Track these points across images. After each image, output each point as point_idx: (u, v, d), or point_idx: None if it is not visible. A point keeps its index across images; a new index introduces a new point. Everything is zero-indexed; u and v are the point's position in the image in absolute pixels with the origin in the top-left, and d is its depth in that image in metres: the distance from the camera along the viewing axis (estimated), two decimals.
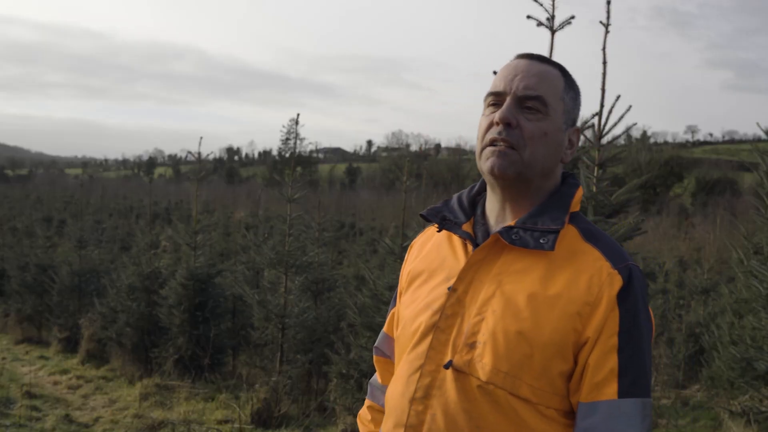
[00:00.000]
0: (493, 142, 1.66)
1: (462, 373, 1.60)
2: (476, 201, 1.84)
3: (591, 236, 1.66)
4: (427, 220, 1.83)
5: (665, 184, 55.82)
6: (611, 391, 1.53)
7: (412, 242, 2.02)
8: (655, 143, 76.80)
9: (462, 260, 1.72)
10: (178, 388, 8.15)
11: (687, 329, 10.15)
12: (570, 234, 1.66)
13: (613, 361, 1.54)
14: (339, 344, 7.25)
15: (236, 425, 6.91)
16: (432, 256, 1.84)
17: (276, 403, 7.17)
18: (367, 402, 2.08)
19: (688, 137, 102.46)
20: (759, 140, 50.39)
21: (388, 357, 2.02)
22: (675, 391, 9.59)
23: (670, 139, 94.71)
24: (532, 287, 1.59)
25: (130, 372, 9.06)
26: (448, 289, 1.69)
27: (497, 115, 1.66)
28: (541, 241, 1.60)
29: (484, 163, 1.68)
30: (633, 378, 1.54)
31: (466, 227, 1.76)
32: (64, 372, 9.33)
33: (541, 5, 3.87)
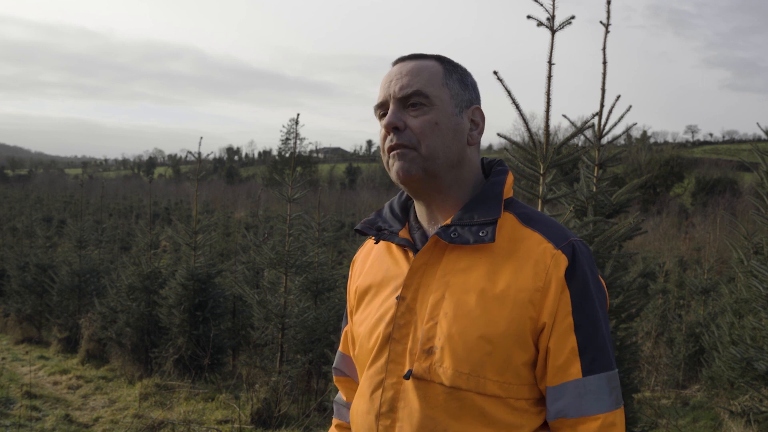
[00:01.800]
0: (390, 151, 1.66)
1: (423, 380, 1.59)
2: (408, 206, 1.83)
3: (529, 220, 1.65)
4: (363, 233, 1.81)
5: (665, 184, 55.81)
6: (575, 370, 1.55)
7: (354, 258, 1.99)
8: (655, 143, 76.77)
9: (405, 268, 1.70)
10: (178, 388, 8.15)
11: (687, 329, 10.14)
12: (508, 222, 1.65)
13: (572, 341, 1.55)
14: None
15: (236, 425, 6.91)
16: (375, 269, 1.82)
17: (276, 403, 7.18)
18: (334, 421, 2.05)
19: (688, 137, 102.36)
20: (759, 140, 50.39)
21: (348, 376, 2.00)
22: (675, 391, 9.60)
23: (670, 139, 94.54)
24: (479, 283, 1.58)
25: (130, 372, 9.06)
26: (397, 298, 1.67)
27: (383, 123, 1.67)
28: (481, 234, 1.59)
29: (391, 173, 1.67)
30: (594, 354, 1.55)
31: (403, 234, 1.74)
32: (64, 372, 9.33)
33: (542, 5, 3.87)
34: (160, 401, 7.76)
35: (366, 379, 1.71)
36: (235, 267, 11.49)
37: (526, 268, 1.57)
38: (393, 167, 1.66)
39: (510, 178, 1.73)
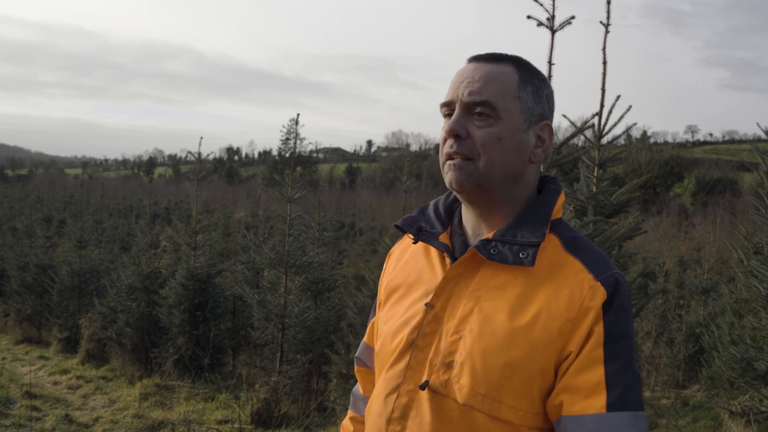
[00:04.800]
0: (449, 157, 1.61)
1: (438, 394, 1.54)
2: (453, 208, 1.78)
3: (573, 246, 1.59)
4: (403, 230, 1.77)
5: (665, 184, 55.85)
6: (599, 404, 1.43)
7: (391, 250, 1.95)
8: (655, 143, 76.85)
9: (440, 274, 1.66)
10: (178, 388, 8.15)
11: (687, 329, 10.15)
12: (551, 245, 1.59)
13: (599, 374, 1.45)
14: (339, 344, 7.25)
15: (236, 425, 6.91)
16: (409, 269, 1.79)
17: (276, 403, 7.18)
18: (349, 413, 2.03)
19: (688, 137, 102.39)
20: (759, 140, 50.40)
21: (369, 367, 1.97)
22: (675, 391, 9.60)
23: (670, 139, 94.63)
24: (511, 304, 1.52)
25: (130, 372, 9.07)
26: (426, 305, 1.63)
27: (445, 128, 1.61)
28: (521, 255, 1.53)
29: (445, 178, 1.63)
30: (623, 390, 1.44)
31: (443, 238, 1.69)
32: (64, 372, 9.33)
33: (542, 5, 3.87)
34: (160, 401, 7.76)
35: (383, 381, 1.68)
36: (235, 267, 11.50)
37: (560, 296, 1.51)
38: (447, 175, 1.62)
39: (561, 199, 1.67)
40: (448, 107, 1.64)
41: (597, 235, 4.27)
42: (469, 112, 1.60)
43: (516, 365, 1.48)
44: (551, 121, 1.69)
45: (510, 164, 1.60)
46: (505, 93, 1.59)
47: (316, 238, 9.59)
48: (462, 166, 1.58)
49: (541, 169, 3.96)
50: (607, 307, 1.48)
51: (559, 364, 1.49)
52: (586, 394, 1.45)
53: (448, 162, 1.61)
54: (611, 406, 1.43)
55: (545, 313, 1.49)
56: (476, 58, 1.66)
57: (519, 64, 1.65)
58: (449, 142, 1.60)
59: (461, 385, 1.51)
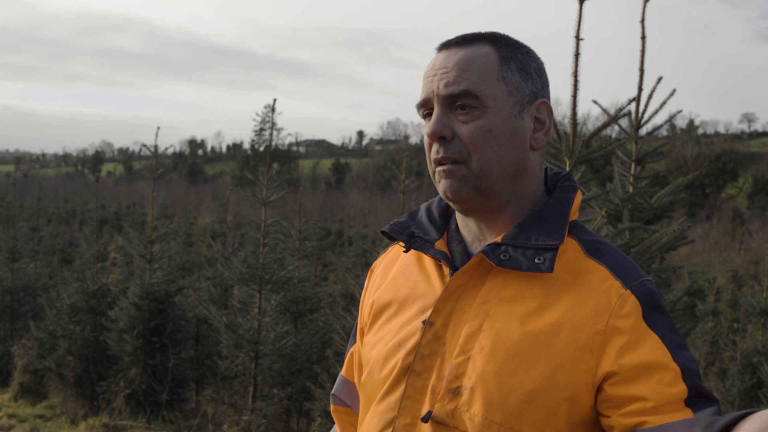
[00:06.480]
0: (438, 163, 1.63)
1: (444, 425, 1.54)
2: (450, 212, 1.81)
3: (595, 251, 1.61)
4: (391, 238, 1.79)
5: (716, 183, 55.94)
6: (685, 413, 1.42)
7: (374, 264, 1.97)
8: (704, 134, 76.84)
9: (438, 286, 1.67)
10: (130, 428, 8.13)
11: (743, 358, 10.15)
12: (571, 249, 1.61)
13: (680, 390, 1.44)
14: (324, 376, 7.24)
15: None
16: (400, 282, 1.80)
17: None
18: None
19: (744, 127, 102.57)
20: None
21: (349, 406, 1.97)
22: None
23: (722, 130, 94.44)
24: (526, 318, 1.54)
25: (73, 409, 9.04)
26: (423, 323, 1.63)
27: (427, 131, 1.63)
28: (537, 260, 1.55)
29: (438, 188, 1.65)
30: (706, 403, 1.44)
31: (440, 245, 1.71)
32: None
33: None
34: None
35: (374, 415, 1.68)
36: (199, 283, 11.49)
37: (584, 306, 1.52)
38: (440, 184, 1.64)
39: (578, 198, 1.70)
40: (425, 107, 1.67)
41: (634, 244, 4.27)
42: (450, 107, 1.62)
43: (539, 388, 1.49)
44: (548, 98, 1.71)
45: (507, 157, 1.62)
46: (486, 77, 1.62)
47: (297, 249, 9.58)
48: (453, 171, 1.61)
49: (567, 167, 3.96)
50: (650, 317, 1.51)
51: (599, 387, 1.49)
52: (664, 408, 1.43)
53: (438, 169, 1.64)
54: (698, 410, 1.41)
55: (568, 325, 1.51)
56: (445, 45, 1.69)
57: (495, 40, 1.67)
58: (435, 147, 1.63)
59: (472, 414, 1.51)
